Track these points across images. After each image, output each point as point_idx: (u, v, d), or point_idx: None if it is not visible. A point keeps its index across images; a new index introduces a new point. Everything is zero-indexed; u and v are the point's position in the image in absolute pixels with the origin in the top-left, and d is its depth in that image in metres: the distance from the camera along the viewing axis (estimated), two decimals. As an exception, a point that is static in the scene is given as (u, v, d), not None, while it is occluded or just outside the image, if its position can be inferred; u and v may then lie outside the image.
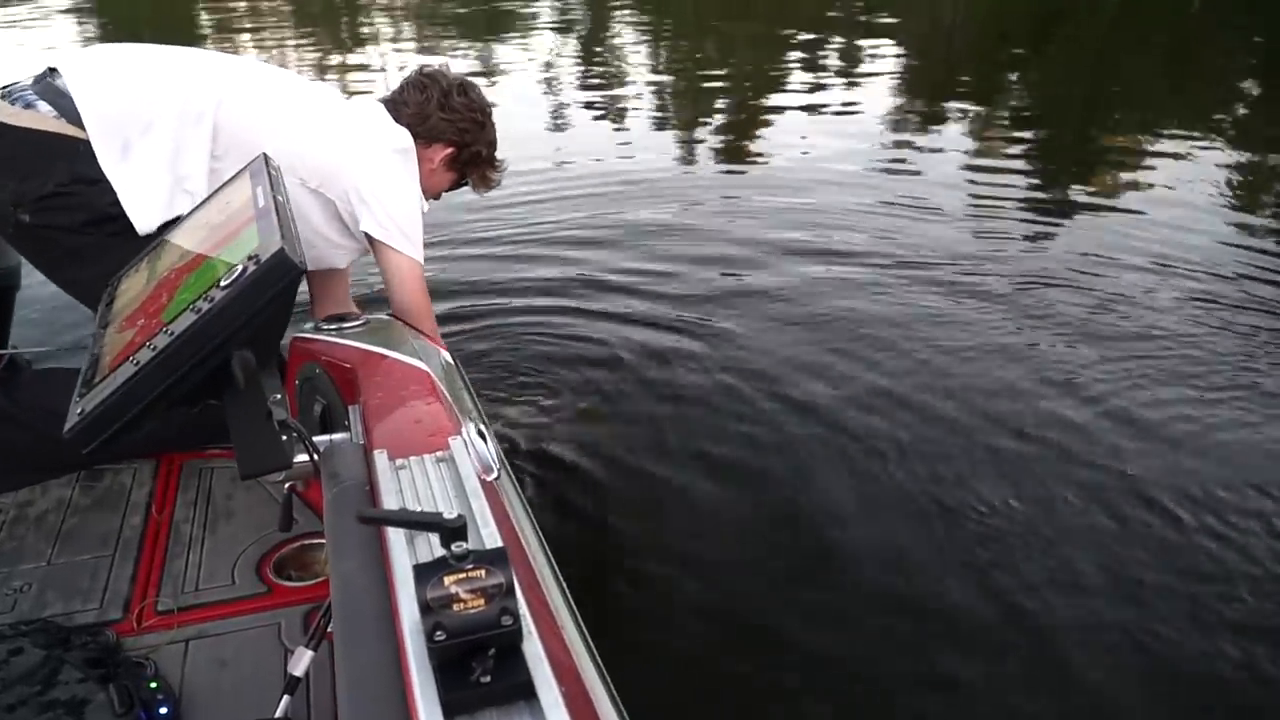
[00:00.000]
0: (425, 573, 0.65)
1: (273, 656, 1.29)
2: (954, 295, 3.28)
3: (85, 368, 1.06)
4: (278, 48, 9.63)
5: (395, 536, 0.82)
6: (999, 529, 2.09)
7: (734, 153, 5.60)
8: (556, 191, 4.49)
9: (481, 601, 0.64)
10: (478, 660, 0.64)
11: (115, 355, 1.02)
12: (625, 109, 6.67)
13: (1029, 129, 5.94)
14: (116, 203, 1.46)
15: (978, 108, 6.59)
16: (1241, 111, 6.64)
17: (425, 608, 0.64)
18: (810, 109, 6.48)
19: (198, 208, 1.38)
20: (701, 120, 6.50)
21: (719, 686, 1.71)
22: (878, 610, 1.88)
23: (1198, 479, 2.25)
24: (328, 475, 1.03)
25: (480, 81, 2.28)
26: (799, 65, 8.47)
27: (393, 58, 9.09)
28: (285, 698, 0.99)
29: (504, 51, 9.04)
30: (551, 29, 10.84)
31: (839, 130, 5.83)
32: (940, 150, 5.45)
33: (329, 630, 0.91)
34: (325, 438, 1.13)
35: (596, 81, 7.79)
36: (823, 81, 7.63)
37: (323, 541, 1.25)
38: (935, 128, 6.03)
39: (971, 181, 4.73)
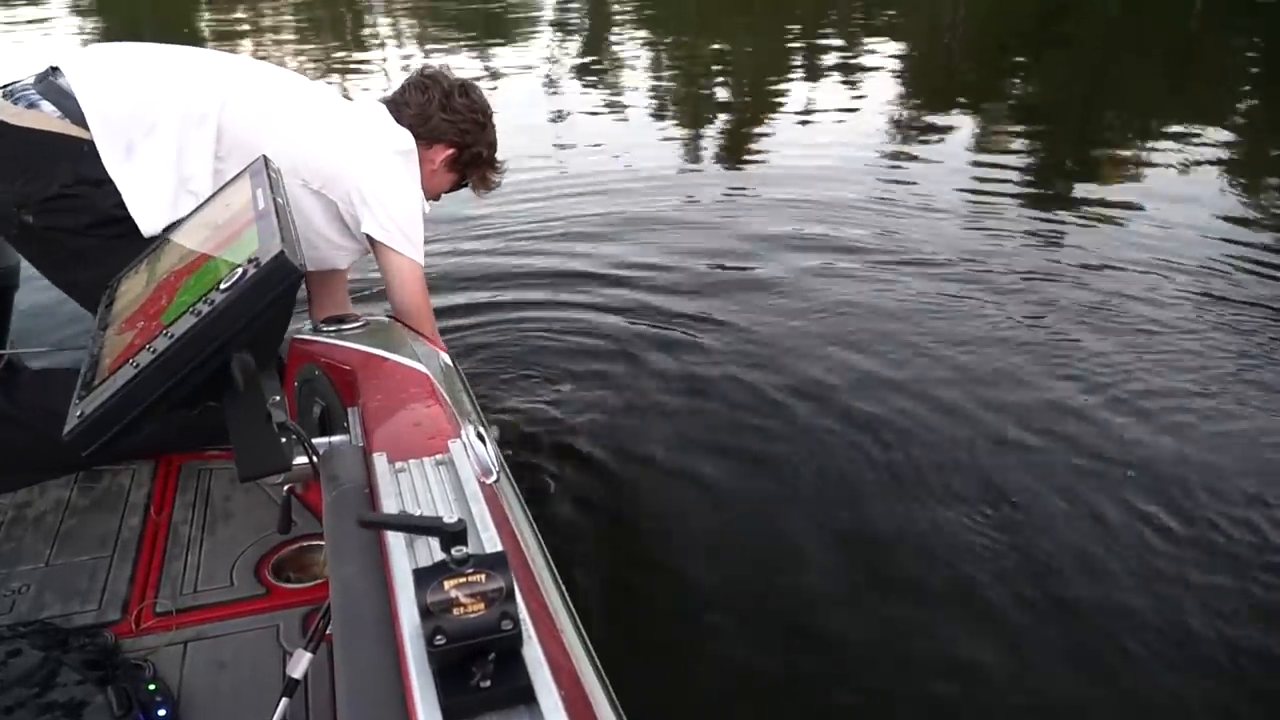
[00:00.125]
0: (425, 577, 0.65)
1: (271, 658, 1.28)
2: (956, 289, 3.29)
3: (85, 369, 1.06)
4: (277, 47, 9.64)
5: (395, 540, 0.82)
6: (1011, 519, 2.11)
7: (736, 148, 5.61)
8: (558, 187, 4.49)
9: (482, 606, 0.64)
10: (478, 665, 0.64)
11: (115, 357, 1.02)
12: (626, 105, 6.68)
13: (1030, 126, 5.94)
14: (121, 205, 1.46)
15: (978, 105, 6.59)
16: (1242, 111, 6.64)
17: (425, 612, 0.64)
18: (812, 105, 6.50)
19: (197, 209, 1.38)
20: (703, 116, 6.50)
21: (720, 688, 1.70)
22: (892, 601, 1.89)
23: (1214, 470, 2.25)
24: (327, 477, 1.03)
25: (481, 82, 2.28)
26: (800, 63, 8.47)
27: (393, 58, 9.09)
28: (283, 700, 0.99)
29: (504, 52, 9.03)
30: (551, 28, 10.85)
31: (841, 126, 5.84)
32: (942, 146, 5.46)
33: (328, 633, 0.91)
34: (324, 440, 1.12)
35: (596, 79, 7.78)
36: (824, 78, 7.64)
37: (321, 543, 1.24)
38: (936, 125, 6.02)
39: (973, 178, 4.74)
